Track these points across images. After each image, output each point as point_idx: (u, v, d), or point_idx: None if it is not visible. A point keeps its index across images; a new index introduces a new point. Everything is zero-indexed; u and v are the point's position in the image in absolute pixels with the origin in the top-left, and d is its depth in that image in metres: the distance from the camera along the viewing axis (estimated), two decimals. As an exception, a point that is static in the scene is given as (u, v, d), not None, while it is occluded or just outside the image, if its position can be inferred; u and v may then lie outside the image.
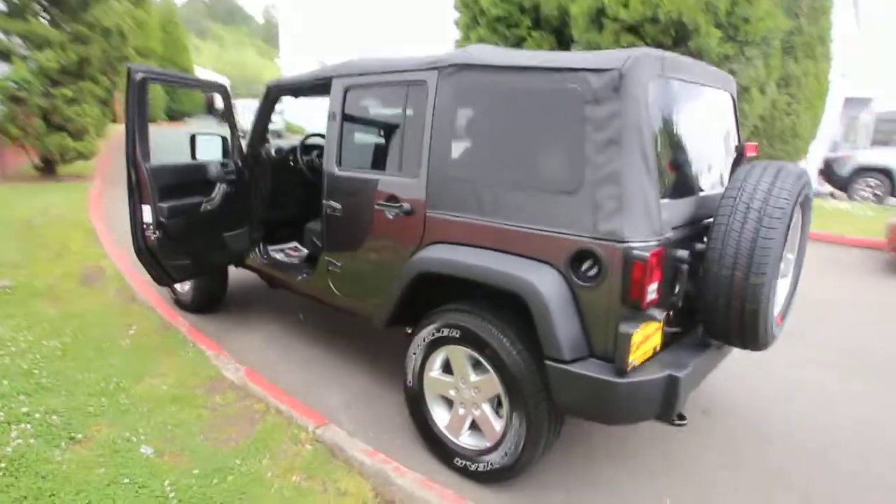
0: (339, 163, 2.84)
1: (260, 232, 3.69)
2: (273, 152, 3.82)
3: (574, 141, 1.99)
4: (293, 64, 27.48)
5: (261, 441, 2.52)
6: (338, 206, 2.83)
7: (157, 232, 3.02)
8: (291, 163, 3.86)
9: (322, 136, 4.21)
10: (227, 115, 3.52)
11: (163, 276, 3.27)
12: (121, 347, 3.40)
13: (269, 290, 3.98)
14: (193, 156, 3.39)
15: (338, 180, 2.84)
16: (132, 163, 2.96)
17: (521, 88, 2.14)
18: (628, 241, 1.88)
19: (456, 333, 2.30)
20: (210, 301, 4.11)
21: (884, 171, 10.51)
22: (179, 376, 3.08)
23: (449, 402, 2.50)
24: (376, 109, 2.81)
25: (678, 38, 8.38)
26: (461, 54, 2.33)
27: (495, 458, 2.25)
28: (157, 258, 3.14)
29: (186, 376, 3.09)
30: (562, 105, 2.03)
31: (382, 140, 2.81)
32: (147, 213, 3.00)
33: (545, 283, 2.00)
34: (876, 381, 3.44)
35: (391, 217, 2.56)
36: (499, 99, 2.21)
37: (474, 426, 2.41)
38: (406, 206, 2.48)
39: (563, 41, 11.43)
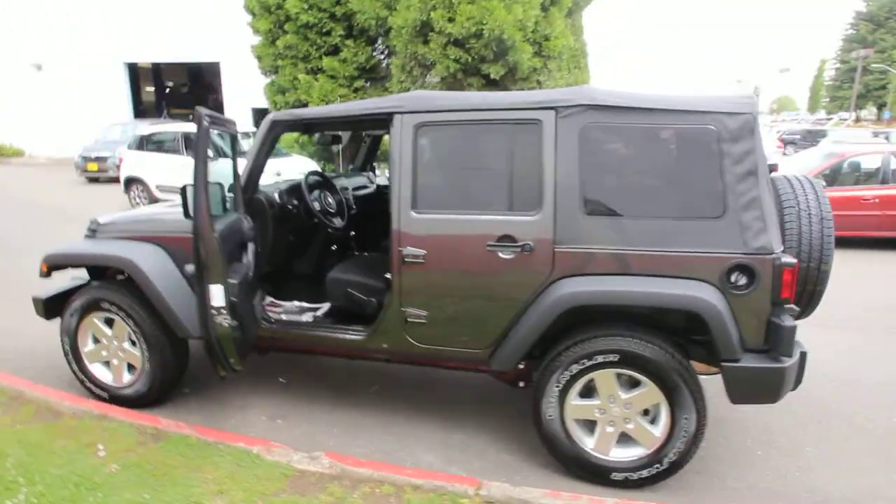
0: (415, 206, 2.64)
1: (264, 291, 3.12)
2: (277, 197, 3.23)
3: (714, 173, 2.32)
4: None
5: (427, 524, 2.27)
6: (420, 252, 2.63)
7: (230, 317, 2.35)
8: (290, 208, 3.32)
9: (320, 174, 3.75)
10: (233, 158, 2.86)
11: (228, 367, 2.55)
12: (119, 478, 2.55)
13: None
14: (187, 213, 2.70)
15: (417, 225, 2.64)
16: (201, 234, 2.24)
17: (655, 128, 2.37)
18: (776, 253, 2.29)
19: (613, 357, 2.43)
20: (173, 383, 3.31)
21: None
22: (245, 487, 2.49)
23: (588, 425, 2.62)
24: (463, 148, 2.67)
25: (498, 52, 9.33)
26: (582, 94, 2.43)
27: (665, 460, 2.48)
28: (224, 348, 2.44)
29: (253, 484, 2.51)
30: (700, 143, 2.33)
31: (476, 179, 2.69)
32: (219, 296, 2.30)
33: (714, 298, 2.30)
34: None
35: (508, 257, 2.53)
36: (633, 137, 2.39)
37: (620, 440, 2.59)
38: (529, 244, 2.49)
39: (385, 50, 11.61)
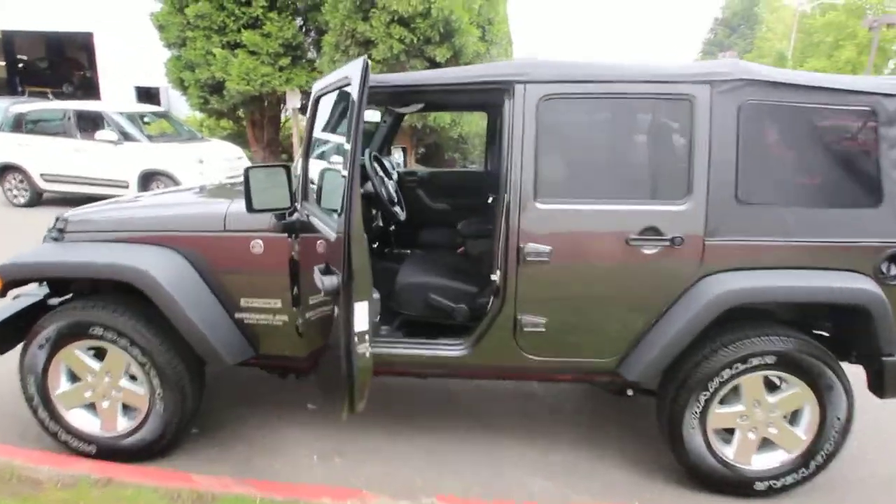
0: (539, 195, 2.22)
1: None
2: None
3: (872, 158, 2.17)
4: None
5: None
6: (545, 249, 2.22)
7: (369, 343, 1.73)
8: None
9: (377, 157, 3.10)
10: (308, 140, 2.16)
11: (353, 407, 1.91)
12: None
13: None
14: (250, 206, 2.04)
15: (542, 217, 2.23)
16: (353, 237, 1.59)
17: (812, 108, 2.16)
18: (928, 240, 2.21)
19: (770, 360, 2.22)
20: (188, 426, 2.60)
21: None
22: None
23: (724, 433, 2.40)
24: (597, 126, 2.26)
25: (444, 34, 8.93)
26: (740, 68, 2.15)
27: (811, 463, 2.32)
28: (361, 385, 1.81)
29: (366, 550, 1.97)
30: (858, 125, 2.17)
31: (612, 163, 2.30)
32: (363, 317, 1.67)
33: (877, 290, 2.16)
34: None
35: (651, 252, 2.20)
36: (790, 117, 2.17)
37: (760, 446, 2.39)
38: (678, 237, 2.18)
39: (312, 27, 10.64)
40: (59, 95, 21.04)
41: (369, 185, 2.76)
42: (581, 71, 2.20)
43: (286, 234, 2.28)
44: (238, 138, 12.43)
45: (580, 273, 2.27)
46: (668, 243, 2.19)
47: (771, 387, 2.36)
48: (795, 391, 2.29)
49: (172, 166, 8.08)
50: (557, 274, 2.26)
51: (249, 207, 2.03)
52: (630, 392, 2.60)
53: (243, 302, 2.42)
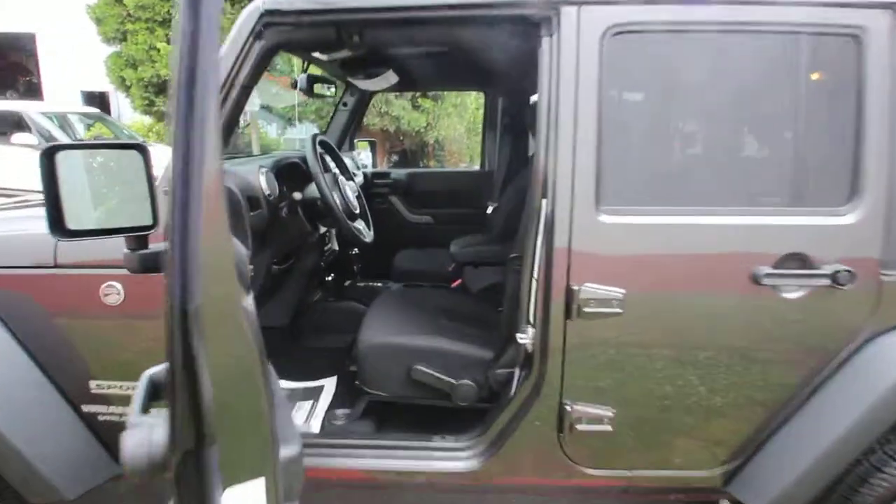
0: (603, 200, 1.30)
1: None
2: (263, 186, 1.59)
3: None
4: None
5: None
6: (616, 293, 1.29)
7: None
8: (283, 206, 1.72)
9: (328, 145, 2.10)
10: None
11: None
12: None
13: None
14: (56, 223, 1.06)
15: (610, 239, 1.30)
16: (189, 327, 0.60)
17: None
18: None
19: None
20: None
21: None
22: None
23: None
24: (700, 82, 1.34)
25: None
26: None
27: None
28: None
29: None
30: None
31: (726, 145, 1.40)
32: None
33: None
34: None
35: (793, 296, 1.30)
36: None
37: None
38: (843, 271, 1.28)
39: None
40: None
41: (313, 189, 1.79)
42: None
43: (160, 274, 1.30)
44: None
45: (674, 334, 1.35)
46: (826, 282, 1.28)
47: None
48: None
49: (103, 175, 6.96)
50: (635, 335, 1.33)
51: (54, 225, 1.04)
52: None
53: (96, 386, 1.43)
